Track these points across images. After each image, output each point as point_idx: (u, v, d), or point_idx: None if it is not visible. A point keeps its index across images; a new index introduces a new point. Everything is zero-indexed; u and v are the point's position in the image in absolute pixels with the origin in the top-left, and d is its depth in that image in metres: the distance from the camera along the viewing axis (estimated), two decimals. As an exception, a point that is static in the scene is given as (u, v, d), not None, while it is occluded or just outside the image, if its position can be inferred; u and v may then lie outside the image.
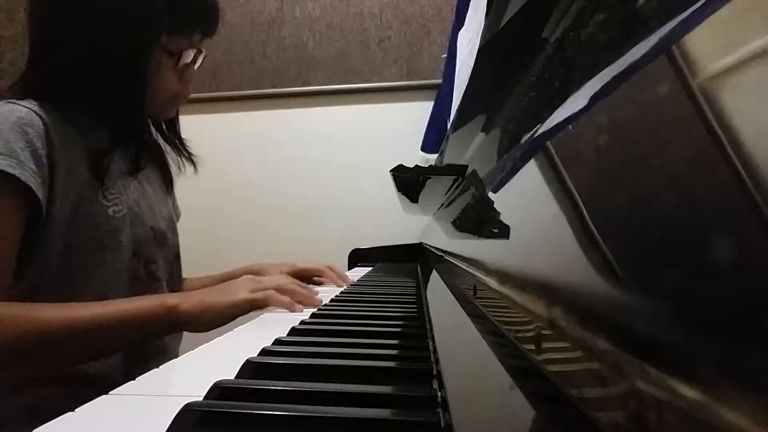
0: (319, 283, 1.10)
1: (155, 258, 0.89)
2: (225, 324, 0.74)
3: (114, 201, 0.82)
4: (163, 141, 0.99)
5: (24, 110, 0.74)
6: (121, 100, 0.81)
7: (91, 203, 0.79)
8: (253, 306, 0.76)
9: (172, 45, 0.83)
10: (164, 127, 0.98)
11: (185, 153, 0.99)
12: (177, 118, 0.98)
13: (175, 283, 0.97)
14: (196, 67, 0.90)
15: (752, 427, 0.09)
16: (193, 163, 1.00)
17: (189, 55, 0.86)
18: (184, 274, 1.04)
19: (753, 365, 0.09)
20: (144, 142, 0.90)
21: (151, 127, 0.96)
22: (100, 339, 0.71)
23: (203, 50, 0.89)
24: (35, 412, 0.75)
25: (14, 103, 0.75)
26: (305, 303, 0.78)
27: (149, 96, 0.83)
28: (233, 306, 0.74)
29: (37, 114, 0.74)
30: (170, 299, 0.73)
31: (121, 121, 0.83)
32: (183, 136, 1.02)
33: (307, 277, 1.09)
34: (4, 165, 0.68)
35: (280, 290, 0.78)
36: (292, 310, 0.75)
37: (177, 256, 0.99)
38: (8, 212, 0.71)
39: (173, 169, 1.01)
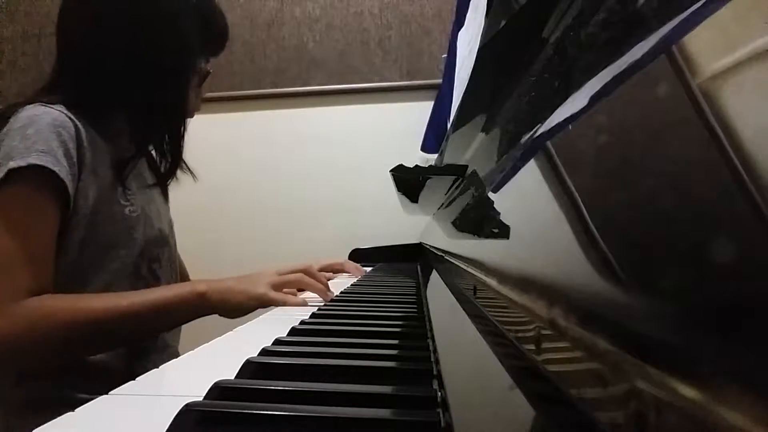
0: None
1: (159, 258, 0.93)
2: (248, 313, 0.81)
3: (131, 201, 0.87)
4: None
5: (56, 113, 0.79)
6: (161, 114, 0.89)
7: (111, 202, 0.84)
8: (271, 303, 0.82)
9: (200, 67, 0.92)
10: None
11: (184, 164, 1.02)
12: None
13: (173, 282, 0.99)
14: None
15: (752, 427, 0.09)
16: (192, 173, 1.03)
17: (205, 74, 0.95)
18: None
19: (753, 365, 0.09)
20: (178, 152, 0.96)
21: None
22: (143, 325, 0.79)
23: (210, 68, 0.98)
24: (38, 402, 0.77)
25: (46, 105, 0.79)
26: (320, 295, 0.86)
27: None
28: (251, 299, 0.82)
29: (67, 116, 0.79)
30: (199, 286, 0.81)
31: (155, 131, 0.91)
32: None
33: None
34: (46, 161, 0.74)
35: (301, 282, 0.85)
36: (305, 306, 0.81)
37: (175, 259, 1.02)
38: (50, 206, 0.76)
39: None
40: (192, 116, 0.97)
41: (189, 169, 1.02)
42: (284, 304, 0.81)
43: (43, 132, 0.75)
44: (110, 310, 0.74)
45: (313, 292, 0.86)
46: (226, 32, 0.96)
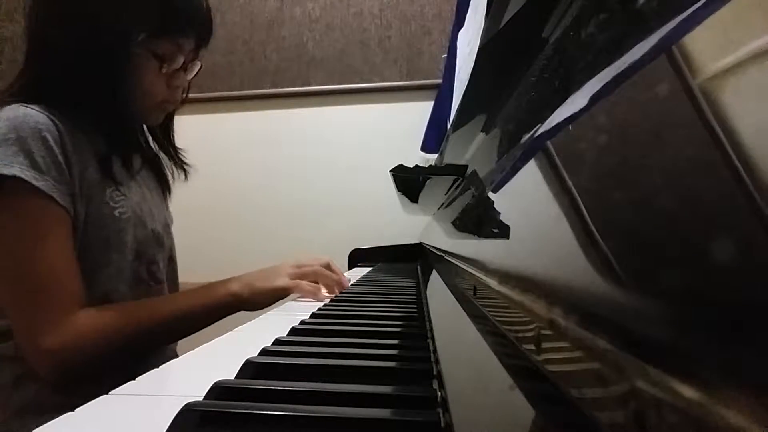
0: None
1: (156, 259, 0.91)
2: (271, 305, 0.88)
3: (120, 203, 0.84)
4: (156, 147, 0.99)
5: (39, 115, 0.75)
6: (104, 102, 0.81)
7: (99, 204, 0.81)
8: (289, 292, 0.89)
9: (156, 47, 0.82)
10: (157, 133, 0.98)
11: (178, 160, 1.00)
12: (171, 126, 0.98)
13: (172, 284, 0.98)
14: (189, 76, 0.89)
15: (752, 427, 0.09)
16: (185, 171, 1.01)
17: (177, 61, 0.84)
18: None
19: (753, 365, 0.09)
20: (136, 146, 0.91)
21: (147, 132, 0.96)
22: (182, 329, 0.84)
23: (198, 60, 0.89)
24: (38, 405, 0.77)
25: (27, 106, 0.76)
26: (339, 287, 0.94)
27: (137, 99, 0.83)
28: (275, 290, 0.88)
29: (50, 119, 0.76)
30: (233, 286, 0.86)
31: (111, 123, 0.83)
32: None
33: None
34: (29, 177, 0.71)
35: (317, 275, 0.93)
36: (316, 298, 0.88)
37: (171, 259, 1.00)
38: (56, 216, 0.74)
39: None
40: (169, 109, 0.91)
41: (183, 167, 1.00)
42: (304, 292, 0.89)
43: (27, 141, 0.72)
44: (154, 319, 0.78)
45: (328, 283, 0.93)
46: (192, 11, 0.84)
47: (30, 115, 0.74)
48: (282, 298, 0.89)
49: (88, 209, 0.79)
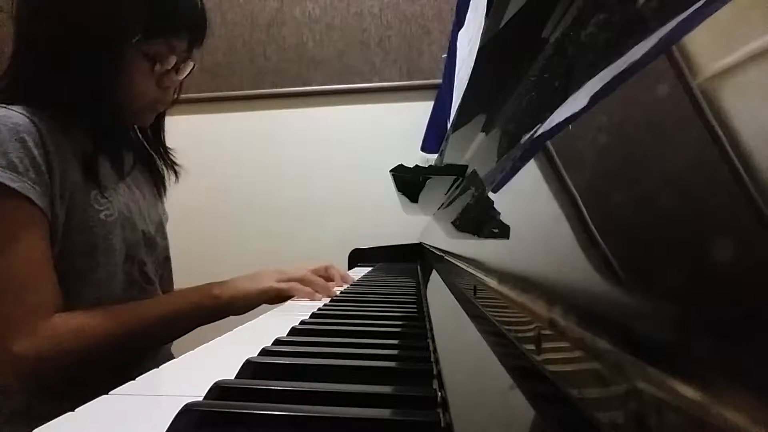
0: None
1: (146, 260, 0.89)
2: (255, 308, 0.87)
3: (105, 205, 0.81)
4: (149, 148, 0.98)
5: (18, 116, 0.73)
6: (92, 102, 0.80)
7: (83, 207, 0.79)
8: (279, 294, 0.87)
9: (147, 49, 0.80)
10: (149, 133, 0.96)
11: (168, 161, 0.99)
12: (162, 126, 0.97)
13: (166, 285, 0.98)
14: (181, 77, 0.87)
15: (752, 427, 0.09)
16: (176, 172, 1.00)
17: (169, 62, 0.83)
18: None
19: (753, 365, 0.09)
20: (127, 146, 0.90)
21: (138, 132, 0.95)
22: (164, 333, 0.84)
23: (192, 60, 0.87)
24: (32, 412, 0.75)
25: (7, 107, 0.74)
26: (324, 293, 0.89)
27: (126, 100, 0.82)
28: (262, 293, 0.87)
29: (30, 120, 0.74)
30: (214, 290, 0.85)
31: (99, 124, 0.82)
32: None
33: None
34: (5, 179, 0.69)
35: (303, 281, 0.90)
36: (313, 299, 0.86)
37: (167, 259, 0.99)
38: (32, 220, 0.72)
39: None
40: (160, 109, 0.90)
41: (173, 167, 0.99)
42: (291, 292, 0.86)
43: (4, 142, 0.70)
44: (134, 323, 0.77)
45: (317, 290, 0.90)
46: (185, 12, 0.82)
47: (9, 116, 0.73)
48: (269, 302, 0.87)
49: (70, 212, 0.77)
